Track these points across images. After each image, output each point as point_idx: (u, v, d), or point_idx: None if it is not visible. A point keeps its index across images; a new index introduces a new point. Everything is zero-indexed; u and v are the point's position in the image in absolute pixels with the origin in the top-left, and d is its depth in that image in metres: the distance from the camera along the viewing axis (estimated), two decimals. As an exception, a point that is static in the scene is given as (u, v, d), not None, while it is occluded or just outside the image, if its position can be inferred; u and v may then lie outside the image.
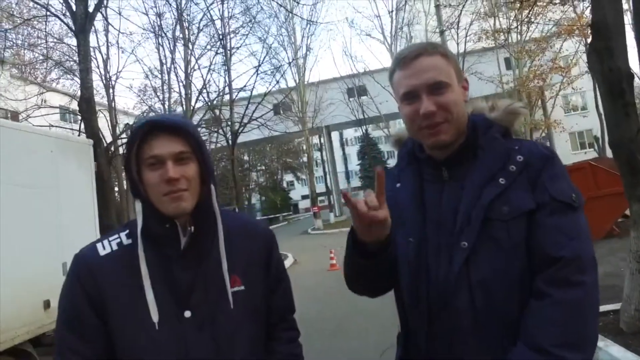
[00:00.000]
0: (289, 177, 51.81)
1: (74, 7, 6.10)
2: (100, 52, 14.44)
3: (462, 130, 1.08)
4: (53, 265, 4.58)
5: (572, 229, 0.97)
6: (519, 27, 19.27)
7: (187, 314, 0.99)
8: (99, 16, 8.27)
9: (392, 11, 23.19)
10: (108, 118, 14.36)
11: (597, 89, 3.99)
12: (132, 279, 0.99)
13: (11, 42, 12.91)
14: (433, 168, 1.11)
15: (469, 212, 1.01)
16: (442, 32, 13.29)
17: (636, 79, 4.32)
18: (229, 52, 14.08)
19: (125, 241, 1.05)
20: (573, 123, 24.39)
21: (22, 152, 4.44)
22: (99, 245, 1.05)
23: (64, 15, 7.35)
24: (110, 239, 1.06)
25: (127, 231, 1.06)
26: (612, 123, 3.77)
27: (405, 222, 1.11)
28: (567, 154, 25.25)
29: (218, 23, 14.01)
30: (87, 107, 6.35)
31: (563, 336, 0.90)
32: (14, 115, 15.36)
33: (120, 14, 23.48)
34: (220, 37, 13.91)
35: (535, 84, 20.00)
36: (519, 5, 10.46)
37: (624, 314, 3.61)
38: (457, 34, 20.14)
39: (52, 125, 12.76)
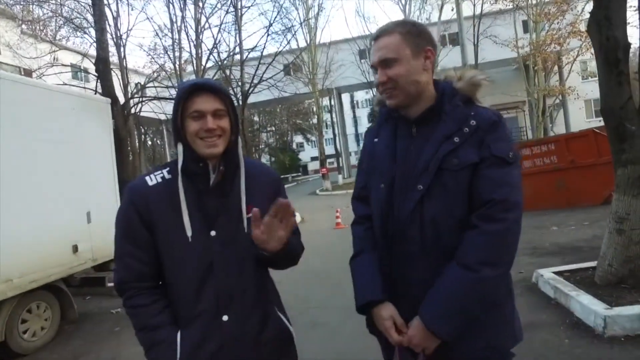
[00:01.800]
0: (298, 139, 51.85)
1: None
2: (110, 9, 14.37)
3: (417, 93, 1.33)
4: (78, 214, 5.01)
5: (503, 179, 1.23)
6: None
7: (213, 233, 1.27)
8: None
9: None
10: (120, 77, 14.50)
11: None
12: (173, 204, 1.26)
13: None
14: (406, 125, 1.38)
15: (428, 162, 1.28)
16: (456, -7, 12.91)
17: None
18: (239, 10, 13.93)
19: (167, 176, 1.31)
20: (589, 90, 23.75)
21: (47, 110, 4.74)
22: (147, 178, 1.31)
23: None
24: (156, 173, 1.33)
25: (168, 168, 1.32)
26: (604, 91, 3.91)
27: (379, 170, 1.39)
28: (581, 121, 24.76)
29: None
30: (103, 68, 6.57)
31: (484, 257, 1.19)
32: (28, 73, 15.54)
33: None
34: (231, -5, 13.73)
35: (552, 48, 19.46)
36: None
37: (599, 269, 3.92)
38: (474, -7, 19.49)
39: (65, 84, 12.96)
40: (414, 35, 1.32)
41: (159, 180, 1.31)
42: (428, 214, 1.27)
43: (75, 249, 4.88)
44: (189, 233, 1.25)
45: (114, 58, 15.16)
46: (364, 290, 1.37)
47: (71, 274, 5.00)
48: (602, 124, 4.77)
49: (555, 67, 22.08)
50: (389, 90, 1.32)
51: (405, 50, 1.30)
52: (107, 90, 6.58)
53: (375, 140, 1.45)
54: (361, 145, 1.60)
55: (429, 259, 1.28)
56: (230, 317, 1.26)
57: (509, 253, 1.23)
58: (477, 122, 1.28)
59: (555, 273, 4.34)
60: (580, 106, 25.67)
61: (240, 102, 13.62)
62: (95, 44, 6.63)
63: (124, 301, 1.30)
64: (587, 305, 3.39)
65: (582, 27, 19.17)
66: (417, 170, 1.29)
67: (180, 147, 1.28)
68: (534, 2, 19.66)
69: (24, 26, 15.93)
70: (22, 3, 14.67)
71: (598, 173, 8.19)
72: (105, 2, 13.56)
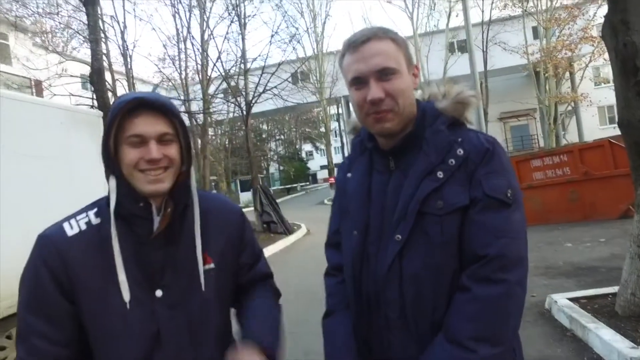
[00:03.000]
0: (307, 147, 51.74)
1: (81, -23, 6.11)
2: (117, 21, 14.42)
3: (409, 118, 1.06)
4: (66, 233, 4.81)
5: (500, 227, 0.97)
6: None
7: (159, 293, 0.99)
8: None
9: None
10: (126, 87, 14.49)
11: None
12: (103, 259, 0.97)
13: (31, 11, 13.04)
14: (381, 157, 1.11)
15: (407, 205, 1.01)
16: (464, -1, 12.63)
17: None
18: (243, 19, 13.86)
19: (94, 220, 1.02)
20: (602, 97, 23.23)
21: (34, 124, 4.57)
22: (65, 225, 1.02)
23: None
24: (78, 218, 1.03)
25: (96, 209, 1.04)
26: (622, 103, 3.60)
27: (351, 213, 1.12)
28: (595, 129, 24.21)
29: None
30: (98, 79, 6.43)
31: (478, 331, 0.92)
32: (37, 84, 15.70)
33: None
34: (235, 5, 13.66)
35: (563, 55, 19.06)
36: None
37: (620, 298, 3.58)
38: (483, 0, 19.26)
39: (73, 95, 12.98)
40: (405, 46, 1.06)
41: (83, 227, 1.01)
42: (408, 271, 1.00)
43: (61, 269, 4.67)
44: (127, 298, 0.96)
45: (122, 68, 15.29)
46: (334, 358, 1.11)
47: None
48: (616, 132, 4.46)
49: (567, 74, 21.63)
50: (383, 112, 1.02)
51: (402, 60, 1.04)
52: (102, 101, 6.44)
53: (348, 175, 1.17)
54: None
55: (410, 327, 1.01)
56: None
57: (511, 322, 0.96)
58: (466, 150, 1.01)
59: (571, 299, 4.00)
60: (593, 113, 25.13)
61: (245, 112, 13.47)
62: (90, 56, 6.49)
63: None
64: (609, 342, 3.05)
65: (594, 32, 18.77)
66: (395, 214, 1.02)
67: (112, 182, 0.99)
68: (544, 7, 19.34)
69: (36, 38, 16.14)
70: (34, 16, 14.85)
71: (614, 185, 7.81)
72: (113, 13, 13.64)
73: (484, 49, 19.23)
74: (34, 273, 0.99)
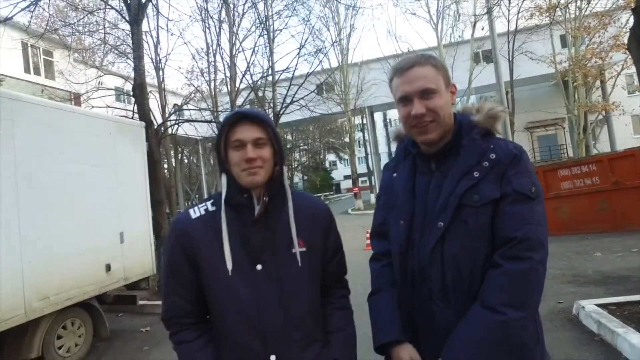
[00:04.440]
0: (331, 157, 52.05)
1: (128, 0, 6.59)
2: (151, 36, 15.15)
3: (448, 129, 1.29)
4: (112, 235, 5.18)
5: (526, 216, 1.17)
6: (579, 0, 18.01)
7: (259, 267, 1.23)
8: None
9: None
10: (158, 99, 15.15)
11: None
12: (216, 237, 1.23)
13: (73, 29, 13.88)
14: (424, 161, 1.34)
15: (447, 199, 1.23)
16: (489, 10, 12.71)
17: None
18: (271, 34, 14.33)
19: (211, 208, 1.30)
20: (635, 105, 22.53)
21: (86, 134, 4.99)
22: (191, 211, 1.31)
23: (121, 6, 7.85)
24: (200, 206, 1.32)
25: (212, 201, 1.32)
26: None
27: (398, 206, 1.35)
28: (628, 137, 23.47)
29: (261, 6, 14.29)
30: (140, 92, 6.87)
31: (508, 298, 1.12)
32: (77, 97, 16.64)
33: (170, 5, 23.97)
34: (263, 20, 14.16)
35: (592, 63, 18.70)
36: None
37: (649, 304, 3.61)
38: (509, 10, 19.15)
39: (109, 107, 13.65)
40: (443, 69, 1.30)
41: (202, 212, 1.30)
42: (449, 252, 1.22)
43: (108, 268, 5.03)
44: (229, 266, 1.21)
45: (154, 81, 16.05)
46: (381, 331, 1.32)
47: (104, 292, 5.15)
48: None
49: (597, 82, 21.15)
50: (425, 124, 1.25)
51: (441, 82, 1.28)
52: (143, 113, 6.86)
53: (394, 175, 1.42)
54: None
55: (450, 299, 1.22)
56: (278, 358, 1.21)
57: (534, 294, 1.16)
58: (497, 155, 1.23)
59: (599, 305, 4.04)
60: (626, 122, 24.36)
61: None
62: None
63: (170, 336, 1.30)
64: (635, 345, 3.11)
65: (627, 40, 18.31)
66: (437, 206, 1.25)
67: (224, 178, 1.27)
68: (572, 16, 19.07)
69: (76, 54, 17.12)
70: (75, 34, 15.77)
71: (644, 195, 7.68)
72: (147, 28, 14.38)
73: (510, 59, 19.11)
74: (171, 248, 1.29)
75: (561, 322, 4.11)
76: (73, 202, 4.67)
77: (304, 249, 1.29)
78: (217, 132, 1.28)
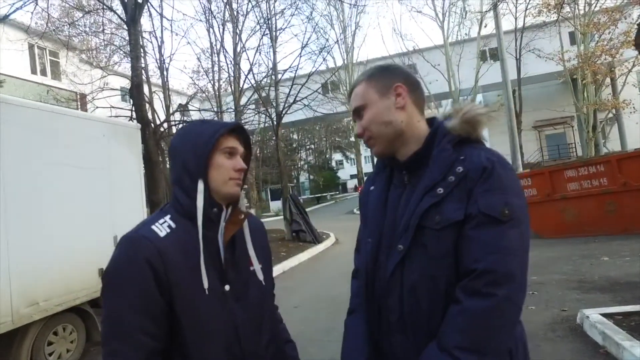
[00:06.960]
0: (337, 156, 51.93)
1: (125, -1, 6.53)
2: (155, 36, 15.13)
3: (394, 136, 1.16)
4: (105, 238, 5.10)
5: (491, 243, 0.99)
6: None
7: (227, 287, 1.13)
8: (153, 1, 8.74)
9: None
10: (162, 98, 15.14)
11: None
12: (187, 258, 1.08)
13: (79, 30, 13.94)
14: (399, 172, 1.20)
15: (409, 218, 1.08)
16: (495, 6, 12.48)
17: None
18: (274, 33, 14.21)
19: (172, 224, 1.12)
20: (647, 103, 22.06)
21: (78, 137, 4.91)
22: (155, 229, 1.09)
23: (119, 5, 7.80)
24: (160, 222, 1.12)
25: (169, 215, 1.14)
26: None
27: (368, 222, 1.23)
28: None
29: (264, 5, 14.15)
30: (137, 93, 6.81)
31: (465, 341, 0.97)
32: (82, 97, 16.74)
33: (172, 7, 24.06)
34: (266, 19, 14.05)
35: (602, 60, 18.34)
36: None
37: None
38: (516, 7, 18.87)
39: (114, 107, 13.67)
40: (376, 77, 1.19)
41: (167, 230, 1.11)
42: (408, 280, 1.07)
43: (101, 272, 4.95)
44: (206, 285, 1.08)
45: (159, 81, 16.04)
46: (348, 357, 1.22)
47: (97, 297, 5.08)
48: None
49: (607, 80, 20.75)
50: (368, 141, 1.21)
51: (370, 94, 1.17)
52: (141, 114, 6.80)
53: (371, 188, 1.28)
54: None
55: (408, 333, 1.08)
56: None
57: (497, 337, 0.99)
58: (465, 168, 1.05)
59: (605, 315, 3.86)
60: (637, 120, 23.88)
61: (275, 123, 13.77)
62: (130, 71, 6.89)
63: None
64: (640, 358, 2.95)
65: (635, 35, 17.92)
66: (400, 226, 1.11)
67: (201, 185, 1.11)
68: (582, 12, 18.72)
69: (82, 55, 17.22)
70: (82, 35, 15.85)
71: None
72: (151, 29, 14.36)
73: (517, 57, 18.81)
74: (138, 273, 1.04)
75: (564, 332, 3.95)
76: (64, 206, 4.59)
77: (260, 266, 1.23)
78: (207, 134, 1.14)
